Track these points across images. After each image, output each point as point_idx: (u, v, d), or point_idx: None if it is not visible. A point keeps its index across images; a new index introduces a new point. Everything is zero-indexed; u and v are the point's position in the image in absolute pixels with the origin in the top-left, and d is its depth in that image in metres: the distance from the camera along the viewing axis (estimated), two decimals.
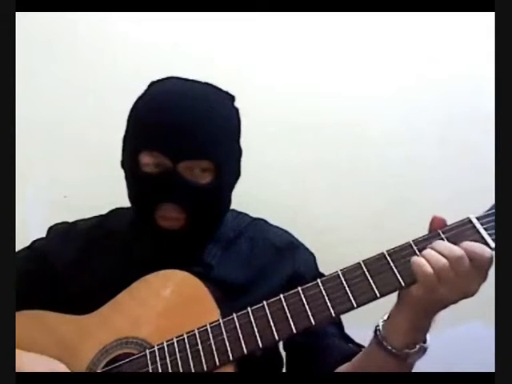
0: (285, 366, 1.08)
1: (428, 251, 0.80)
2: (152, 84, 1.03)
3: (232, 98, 1.04)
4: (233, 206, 1.12)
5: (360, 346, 1.01)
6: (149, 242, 1.03)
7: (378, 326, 0.87)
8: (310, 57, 1.59)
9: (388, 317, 0.86)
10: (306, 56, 1.59)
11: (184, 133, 0.94)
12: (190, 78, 1.04)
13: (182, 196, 0.95)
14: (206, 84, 1.03)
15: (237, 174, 1.07)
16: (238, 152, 1.06)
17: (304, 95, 1.59)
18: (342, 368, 0.96)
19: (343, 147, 1.59)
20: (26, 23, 1.54)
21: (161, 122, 0.94)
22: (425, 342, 0.85)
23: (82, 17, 1.58)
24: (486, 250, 0.78)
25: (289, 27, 1.59)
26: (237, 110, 1.05)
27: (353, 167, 1.59)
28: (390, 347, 0.84)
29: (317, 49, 1.59)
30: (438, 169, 1.58)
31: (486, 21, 1.46)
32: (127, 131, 1.02)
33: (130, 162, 0.99)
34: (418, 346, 0.84)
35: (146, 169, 0.96)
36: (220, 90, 1.03)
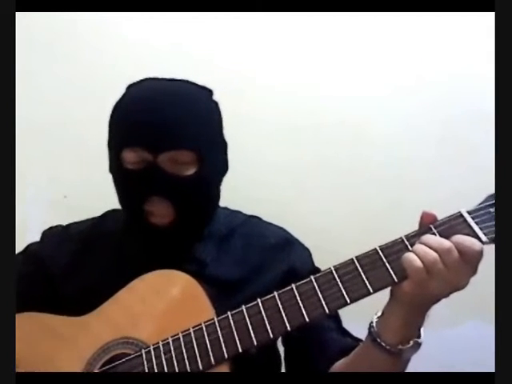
0: (283, 361, 1.08)
1: (418, 246, 0.81)
2: (129, 87, 1.04)
3: (210, 92, 1.05)
4: (230, 205, 1.13)
5: (358, 340, 1.01)
6: (141, 240, 1.04)
7: (371, 322, 0.87)
8: (310, 57, 1.59)
9: (381, 314, 0.87)
10: (306, 56, 1.59)
11: (162, 125, 0.95)
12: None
13: (165, 188, 0.96)
14: (183, 81, 1.04)
15: (223, 168, 1.06)
16: (222, 145, 1.06)
17: (304, 95, 1.59)
18: (338, 364, 0.96)
19: (343, 147, 1.59)
20: (26, 23, 1.54)
21: (139, 118, 0.96)
22: (419, 337, 0.85)
23: (82, 17, 1.58)
24: (475, 242, 0.79)
25: (289, 27, 1.59)
26: (216, 104, 1.05)
27: (352, 167, 1.59)
28: (383, 344, 0.84)
29: (317, 49, 1.59)
30: (438, 169, 1.58)
31: (486, 21, 1.46)
32: (109, 135, 1.02)
33: (114, 163, 1.00)
34: (411, 342, 0.84)
35: (128, 166, 0.97)
36: (197, 85, 1.04)
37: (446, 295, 0.81)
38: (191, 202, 0.99)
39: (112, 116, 1.02)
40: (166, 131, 0.95)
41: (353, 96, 1.58)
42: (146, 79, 1.04)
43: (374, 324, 0.86)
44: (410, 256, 0.80)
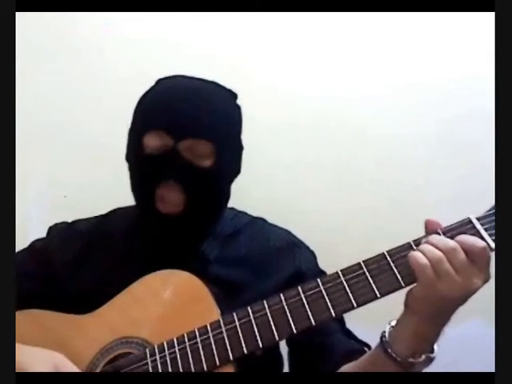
0: (287, 362, 1.07)
1: (424, 245, 0.80)
2: (159, 81, 1.07)
3: (234, 95, 1.08)
4: (232, 205, 1.12)
5: (362, 343, 1.01)
6: (148, 233, 1.04)
7: (384, 332, 0.86)
8: (310, 57, 1.59)
9: (395, 324, 0.85)
10: (306, 56, 1.59)
11: (186, 113, 0.98)
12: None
13: (181, 175, 0.97)
14: (211, 82, 1.06)
15: (237, 169, 1.08)
16: (239, 147, 1.08)
17: (304, 95, 1.59)
18: (346, 369, 0.95)
19: (344, 147, 1.59)
20: (26, 23, 1.54)
21: (165, 104, 0.99)
22: (432, 352, 0.84)
23: (82, 17, 1.58)
24: (478, 241, 0.78)
25: (289, 27, 1.59)
26: (239, 107, 1.07)
27: (353, 167, 1.59)
28: (394, 355, 0.83)
29: (318, 49, 1.59)
30: (438, 169, 1.58)
31: (486, 21, 1.46)
32: (133, 121, 1.05)
33: (134, 147, 1.02)
34: (423, 356, 0.83)
35: (148, 151, 0.99)
36: (224, 88, 1.07)
37: (458, 300, 0.80)
38: (203, 194, 1.00)
39: (138, 104, 1.05)
40: (189, 119, 0.97)
41: (354, 96, 1.58)
42: (176, 76, 1.06)
43: (387, 334, 0.85)
44: (415, 254, 0.79)
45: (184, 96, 0.99)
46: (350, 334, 1.03)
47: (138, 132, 1.01)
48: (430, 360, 0.84)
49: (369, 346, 1.01)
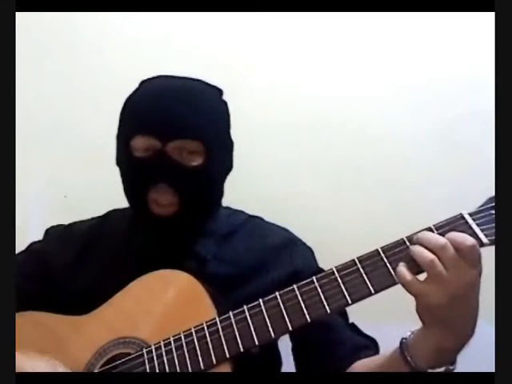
0: (293, 359, 1.06)
1: (415, 247, 0.80)
2: (143, 82, 1.06)
3: (220, 91, 1.07)
4: (230, 204, 1.13)
5: (368, 337, 1.01)
6: (144, 235, 1.04)
7: (404, 338, 0.84)
8: (310, 57, 1.60)
9: (415, 333, 0.84)
10: (306, 56, 1.60)
11: (171, 114, 0.97)
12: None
13: (172, 177, 0.97)
14: (194, 79, 1.06)
15: (228, 165, 1.08)
16: (229, 143, 1.08)
17: (304, 95, 1.59)
18: (359, 368, 0.95)
19: (344, 146, 1.59)
20: (26, 23, 1.54)
21: (150, 107, 0.98)
22: (453, 363, 0.83)
23: (82, 17, 1.58)
24: (467, 238, 0.77)
25: (289, 27, 1.59)
26: (225, 103, 1.07)
27: (353, 166, 1.60)
28: (414, 364, 0.82)
29: (317, 49, 1.59)
30: (438, 169, 1.58)
31: (486, 21, 1.46)
32: (119, 127, 1.04)
33: (122, 152, 1.02)
34: (443, 368, 0.82)
35: (137, 154, 0.99)
36: (208, 84, 1.06)
37: (454, 301, 0.78)
38: (195, 193, 0.99)
39: (124, 108, 1.04)
40: (176, 120, 0.97)
41: (354, 96, 1.59)
42: (159, 76, 1.06)
43: (407, 341, 0.84)
44: (403, 271, 0.79)
45: (169, 95, 0.99)
46: (354, 328, 1.03)
47: (125, 136, 1.01)
48: (448, 371, 0.83)
49: (374, 341, 1.02)
